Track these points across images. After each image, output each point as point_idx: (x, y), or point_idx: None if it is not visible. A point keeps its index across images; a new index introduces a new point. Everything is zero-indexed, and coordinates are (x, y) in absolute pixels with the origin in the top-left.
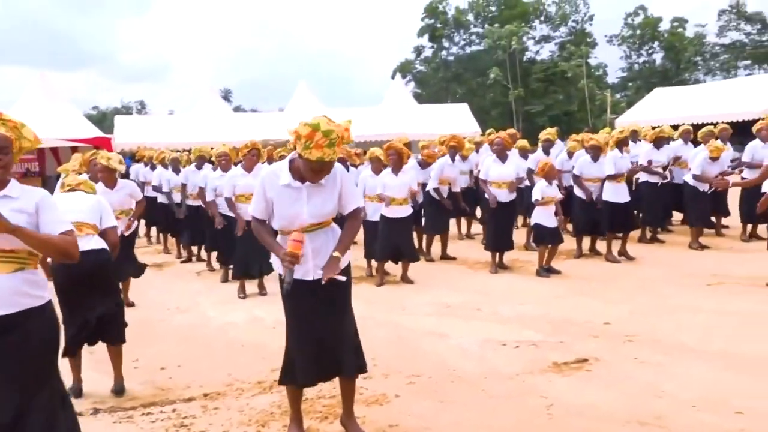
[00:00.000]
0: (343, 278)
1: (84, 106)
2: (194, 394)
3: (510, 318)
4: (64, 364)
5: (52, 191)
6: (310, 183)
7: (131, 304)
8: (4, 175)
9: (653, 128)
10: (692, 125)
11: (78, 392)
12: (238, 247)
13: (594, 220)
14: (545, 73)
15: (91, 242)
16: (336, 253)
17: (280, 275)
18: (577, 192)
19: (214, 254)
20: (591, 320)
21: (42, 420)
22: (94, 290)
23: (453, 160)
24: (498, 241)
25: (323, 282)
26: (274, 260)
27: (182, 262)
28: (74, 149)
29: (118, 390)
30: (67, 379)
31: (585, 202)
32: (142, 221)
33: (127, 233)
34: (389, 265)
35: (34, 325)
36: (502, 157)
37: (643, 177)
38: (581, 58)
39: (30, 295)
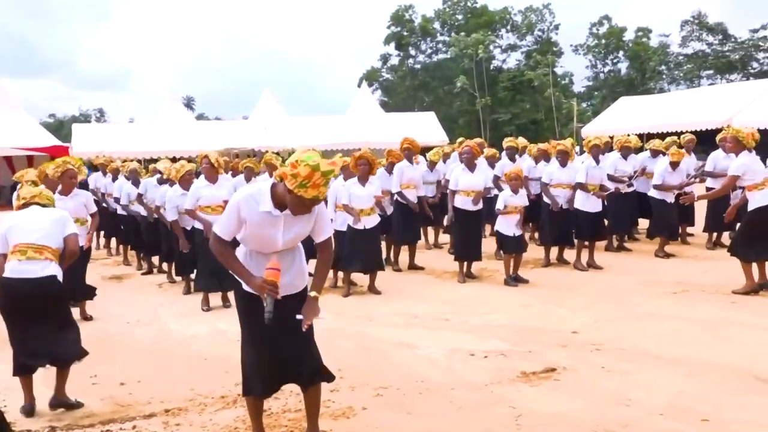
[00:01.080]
0: (324, 317)
1: (41, 114)
2: (155, 410)
3: (478, 327)
4: (15, 384)
5: (5, 201)
6: (290, 213)
7: (89, 318)
8: None
9: (622, 137)
10: (657, 134)
11: (30, 411)
12: (201, 259)
13: (562, 229)
14: (512, 82)
15: (47, 269)
16: (313, 293)
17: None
18: (546, 200)
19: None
20: (558, 329)
21: None
22: (43, 319)
23: (410, 161)
24: (465, 251)
25: (304, 329)
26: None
27: (143, 274)
28: (30, 158)
29: (54, 404)
30: (19, 398)
31: (553, 211)
32: (101, 233)
33: (86, 246)
34: (356, 276)
35: None
36: (471, 166)
37: (609, 185)
38: (547, 67)
39: None
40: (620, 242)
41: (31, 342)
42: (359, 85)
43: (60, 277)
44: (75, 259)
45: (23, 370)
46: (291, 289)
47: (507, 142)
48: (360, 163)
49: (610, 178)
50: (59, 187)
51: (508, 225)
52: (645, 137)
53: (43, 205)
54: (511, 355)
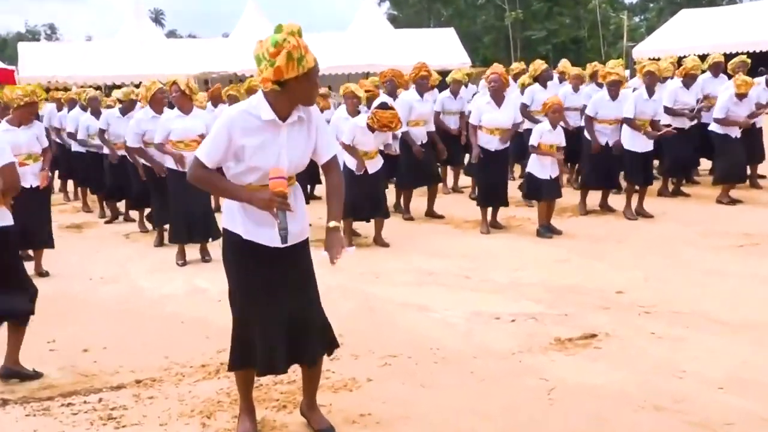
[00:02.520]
0: (352, 251)
1: None
2: (124, 380)
3: (504, 286)
4: None
5: None
6: (291, 121)
7: (44, 274)
8: None
9: (680, 59)
10: (724, 55)
11: None
12: (175, 205)
13: (606, 171)
14: None
15: None
16: (333, 223)
17: (228, 233)
18: (588, 136)
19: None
20: (600, 288)
21: None
22: None
23: (422, 94)
24: (490, 196)
25: (333, 264)
26: (227, 215)
27: (106, 222)
28: None
29: (3, 374)
30: None
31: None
32: (56, 173)
33: (42, 186)
34: (359, 225)
35: None
36: (498, 98)
37: (665, 120)
38: None
39: None
40: (677, 186)
41: None
42: None
43: (5, 223)
44: (15, 193)
45: None
46: (294, 236)
47: (539, 64)
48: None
49: (669, 111)
50: (9, 117)
51: (542, 166)
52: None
53: None
54: (544, 318)
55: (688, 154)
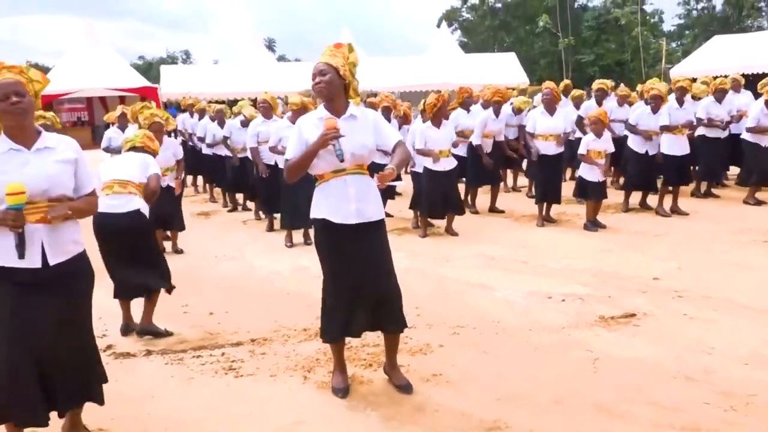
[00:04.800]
0: (400, 183)
1: (129, 55)
2: (242, 339)
3: (556, 271)
4: (115, 309)
5: (100, 140)
6: (344, 118)
7: (180, 251)
8: (26, 118)
9: (714, 78)
10: (753, 75)
11: (125, 330)
12: (285, 197)
13: (647, 175)
14: (597, 21)
15: (131, 203)
16: (391, 166)
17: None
18: (631, 144)
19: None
20: (639, 275)
21: (81, 361)
22: (132, 251)
23: (497, 114)
24: (545, 194)
25: (379, 187)
26: (313, 206)
27: (228, 211)
28: (122, 99)
29: (140, 331)
30: (119, 323)
31: (638, 155)
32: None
33: (177, 193)
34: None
35: (82, 270)
36: (551, 109)
37: (700, 131)
38: (636, 5)
39: (77, 242)
40: (708, 188)
41: (123, 272)
42: (438, 25)
43: (145, 211)
44: (156, 197)
45: (121, 294)
46: (368, 215)
47: (597, 84)
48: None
49: (704, 123)
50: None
51: (591, 170)
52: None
53: (140, 149)
54: (590, 299)
55: (719, 161)
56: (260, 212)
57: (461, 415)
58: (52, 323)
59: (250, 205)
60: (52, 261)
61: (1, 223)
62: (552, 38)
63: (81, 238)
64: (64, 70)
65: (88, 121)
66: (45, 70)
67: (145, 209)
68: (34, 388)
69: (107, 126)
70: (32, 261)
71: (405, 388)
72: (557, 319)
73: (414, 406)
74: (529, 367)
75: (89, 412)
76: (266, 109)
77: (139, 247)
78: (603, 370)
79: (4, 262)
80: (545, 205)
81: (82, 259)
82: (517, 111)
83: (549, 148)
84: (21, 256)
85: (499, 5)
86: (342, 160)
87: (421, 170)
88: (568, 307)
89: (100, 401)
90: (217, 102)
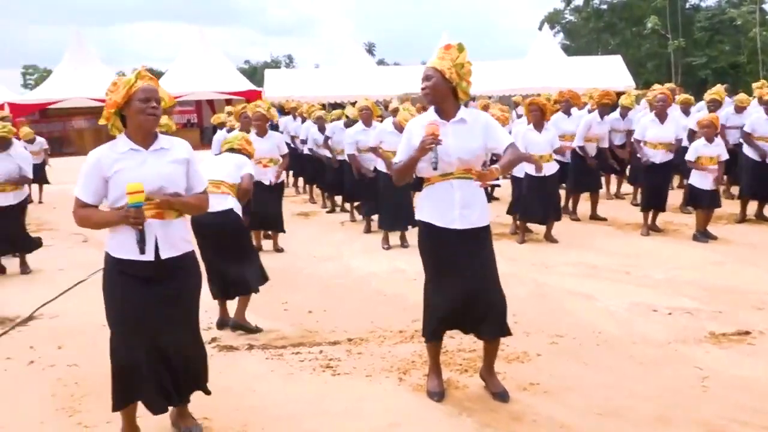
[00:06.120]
0: (499, 182)
1: (236, 60)
2: (339, 338)
3: (662, 282)
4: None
5: (207, 141)
6: (453, 122)
7: (280, 250)
8: (155, 127)
9: None
10: None
11: (221, 324)
12: (383, 200)
13: (764, 183)
14: (710, 22)
15: (224, 203)
16: (496, 167)
17: (419, 222)
18: (747, 151)
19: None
20: (754, 290)
21: (190, 356)
22: (225, 249)
23: (602, 117)
24: (651, 202)
25: (480, 186)
26: (418, 209)
27: (327, 212)
28: (228, 101)
29: (232, 325)
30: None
31: (755, 162)
32: (290, 172)
33: (276, 181)
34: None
35: (191, 267)
36: (662, 116)
37: None
38: (754, 4)
39: (186, 240)
40: None
41: (218, 270)
42: (540, 28)
43: (238, 211)
44: (249, 196)
45: (219, 294)
46: (472, 221)
47: (709, 95)
48: (531, 110)
49: None
50: (255, 129)
51: (703, 178)
52: None
53: (237, 150)
54: (699, 314)
55: None
56: (358, 214)
57: (560, 426)
58: (166, 315)
59: (348, 206)
60: (164, 255)
61: (123, 220)
62: (660, 40)
63: (190, 238)
64: (176, 74)
65: (197, 123)
66: (159, 74)
67: (238, 209)
68: (151, 376)
69: (215, 128)
70: (147, 254)
71: (501, 395)
72: (663, 332)
73: (510, 414)
74: (632, 381)
75: (195, 401)
76: (368, 116)
77: (232, 245)
78: (713, 389)
79: (123, 255)
80: (651, 213)
81: (190, 256)
82: (624, 112)
83: (657, 155)
84: (142, 251)
85: (604, 7)
86: (435, 169)
87: (522, 175)
88: (675, 320)
89: (207, 391)
90: (316, 105)
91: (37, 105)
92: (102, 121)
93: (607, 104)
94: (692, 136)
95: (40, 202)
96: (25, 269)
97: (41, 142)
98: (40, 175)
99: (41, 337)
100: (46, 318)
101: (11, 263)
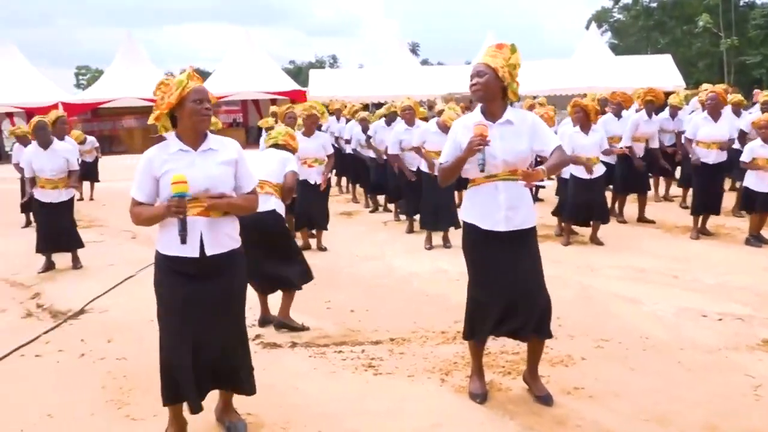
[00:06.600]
0: (544, 183)
1: (281, 60)
2: (381, 338)
3: (712, 288)
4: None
5: (253, 140)
6: (499, 123)
7: (324, 249)
8: (208, 124)
9: None
10: None
11: (262, 322)
12: (426, 200)
13: None
14: (766, 19)
15: (268, 203)
16: (542, 168)
17: (464, 223)
18: None
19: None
20: None
21: (236, 353)
22: (267, 249)
23: (650, 115)
24: (703, 204)
25: (525, 185)
26: (464, 209)
27: (370, 212)
28: (273, 101)
29: (277, 324)
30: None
31: None
32: (333, 171)
33: (323, 186)
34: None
35: (237, 265)
36: (715, 115)
37: None
38: None
39: (233, 238)
40: None
41: (262, 268)
42: (587, 27)
43: (281, 211)
44: (292, 194)
45: (259, 289)
46: (517, 223)
47: (764, 96)
48: (575, 111)
49: None
50: (302, 129)
51: (759, 180)
52: None
53: (282, 146)
54: (751, 320)
55: None
56: (400, 214)
57: None
58: (213, 311)
59: (391, 206)
60: (209, 252)
61: (166, 211)
62: (712, 38)
63: (237, 235)
64: (222, 74)
65: (242, 122)
66: (206, 74)
67: (281, 209)
68: (193, 373)
69: (259, 129)
70: (191, 250)
71: (545, 399)
72: (713, 339)
73: (554, 418)
74: (680, 388)
75: (239, 397)
76: (410, 116)
77: (274, 246)
78: (765, 398)
79: (170, 252)
80: (702, 216)
81: (236, 254)
82: (674, 111)
83: (710, 155)
84: (183, 241)
85: (654, 5)
86: (482, 171)
87: (567, 176)
88: (726, 327)
89: (250, 392)
90: (359, 104)
91: (89, 104)
92: (151, 121)
93: (652, 101)
94: (743, 137)
95: (91, 199)
96: (76, 264)
97: (92, 140)
98: (91, 173)
99: (92, 331)
100: (96, 312)
101: (60, 259)
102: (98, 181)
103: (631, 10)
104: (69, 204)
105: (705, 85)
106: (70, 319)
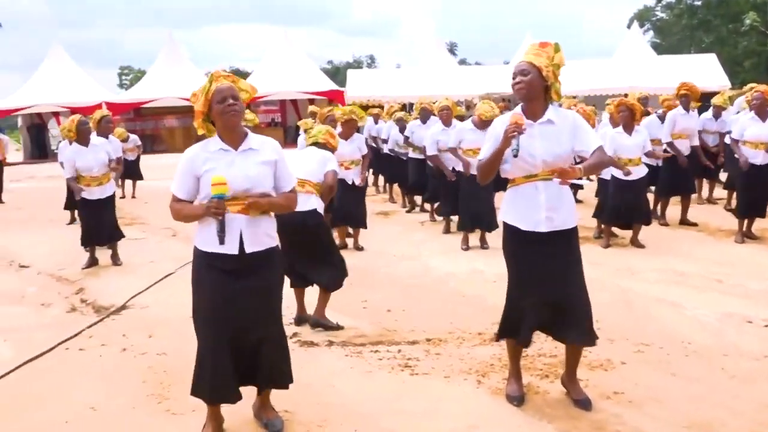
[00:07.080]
0: (581, 182)
1: (319, 60)
2: (418, 338)
3: (758, 293)
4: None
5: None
6: (540, 123)
7: (360, 248)
8: (240, 121)
9: None
10: None
11: (298, 321)
12: (463, 200)
13: None
14: None
15: (308, 202)
16: (579, 166)
17: (504, 224)
18: None
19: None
20: None
21: (273, 350)
22: (306, 248)
23: (686, 109)
24: (749, 207)
25: (559, 183)
26: (503, 210)
27: (407, 211)
28: (311, 101)
29: (312, 323)
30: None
31: None
32: (370, 170)
33: (361, 184)
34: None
35: (275, 263)
36: (762, 114)
37: None
38: None
39: (271, 236)
40: None
41: (299, 266)
42: (629, 26)
43: (320, 210)
44: (333, 193)
45: (296, 284)
46: (557, 224)
47: None
48: (620, 110)
49: None
50: (340, 131)
51: None
52: None
53: (322, 145)
54: None
55: None
56: (437, 214)
57: None
58: (251, 309)
59: (428, 206)
60: (248, 249)
61: (205, 211)
62: (759, 37)
63: (275, 233)
64: (261, 74)
65: (281, 122)
66: (245, 74)
67: (321, 208)
68: (231, 368)
69: (297, 128)
70: (231, 248)
71: (583, 403)
72: (758, 345)
73: (592, 423)
74: (724, 395)
75: (276, 394)
76: (448, 116)
77: (314, 244)
78: None
79: (209, 249)
80: (747, 219)
81: (274, 252)
82: (717, 112)
83: (758, 156)
84: (221, 241)
85: (698, 3)
86: (516, 156)
87: (608, 177)
88: None
89: (286, 386)
90: (396, 104)
91: (132, 104)
92: (200, 132)
93: (686, 95)
94: None
95: (133, 197)
96: (116, 260)
97: (134, 139)
98: (134, 171)
99: (133, 326)
100: (138, 308)
101: (104, 255)
102: (141, 179)
103: (674, 8)
104: (111, 199)
105: (750, 85)
106: (113, 314)
